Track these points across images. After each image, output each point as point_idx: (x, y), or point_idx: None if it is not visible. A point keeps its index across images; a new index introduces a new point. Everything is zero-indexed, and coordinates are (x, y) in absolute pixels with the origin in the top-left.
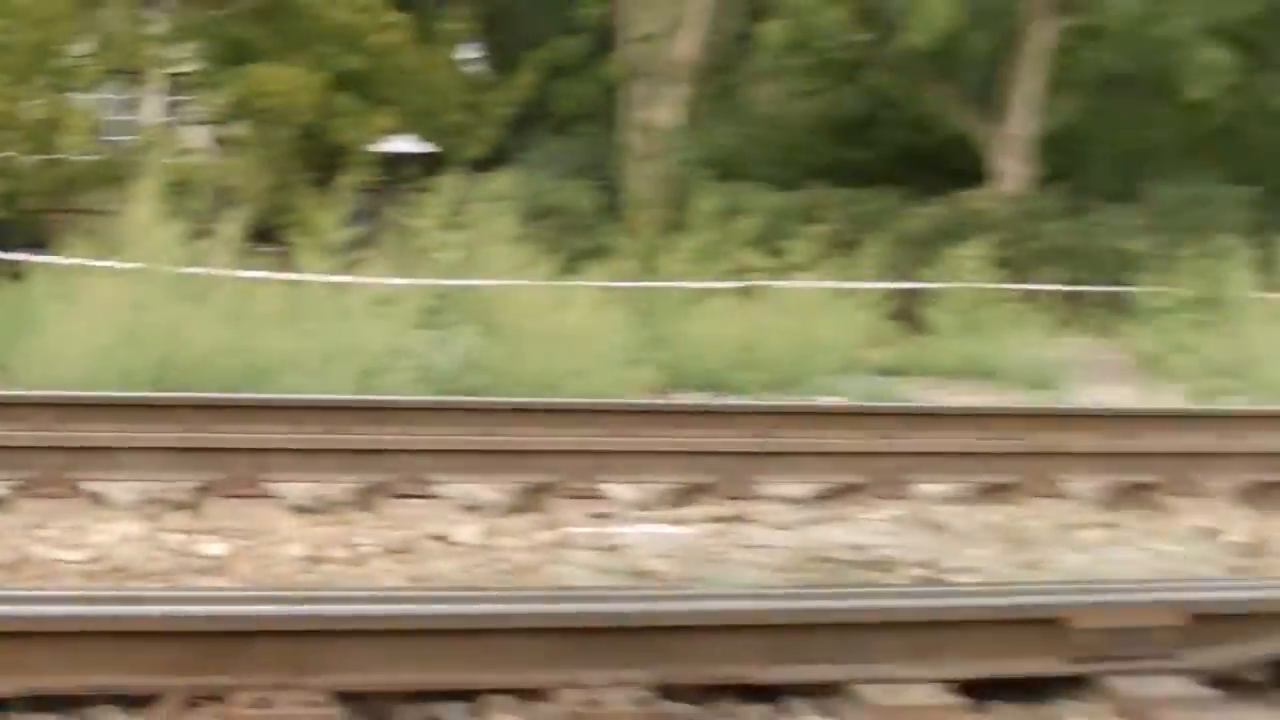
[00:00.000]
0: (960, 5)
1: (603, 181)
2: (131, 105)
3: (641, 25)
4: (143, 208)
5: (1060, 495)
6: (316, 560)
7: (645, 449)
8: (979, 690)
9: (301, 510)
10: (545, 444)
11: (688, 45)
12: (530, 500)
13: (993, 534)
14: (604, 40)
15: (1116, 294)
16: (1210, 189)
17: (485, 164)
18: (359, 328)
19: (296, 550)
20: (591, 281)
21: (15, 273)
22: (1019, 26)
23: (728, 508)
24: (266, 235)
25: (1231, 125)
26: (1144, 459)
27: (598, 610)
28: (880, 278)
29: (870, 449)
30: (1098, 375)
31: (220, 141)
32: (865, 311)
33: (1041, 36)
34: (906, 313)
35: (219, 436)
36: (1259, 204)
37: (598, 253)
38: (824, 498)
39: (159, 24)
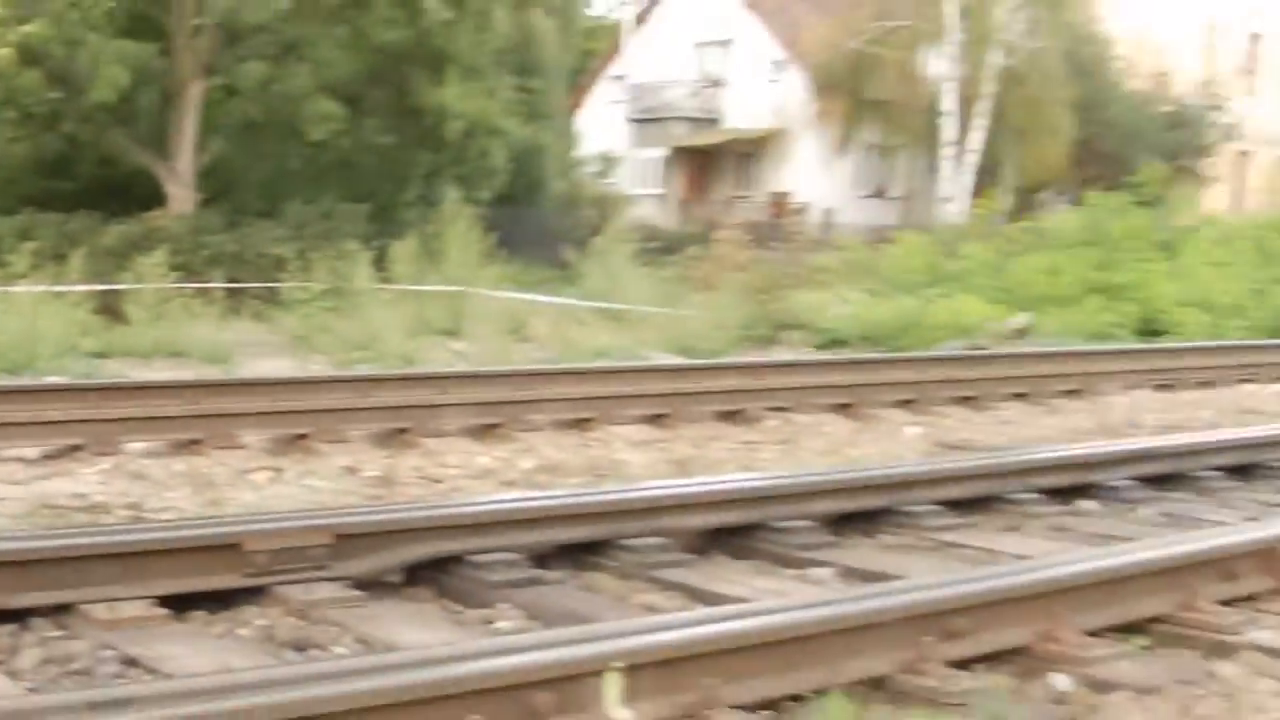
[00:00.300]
0: (131, 69)
1: None
2: None
3: None
4: None
5: (237, 447)
6: None
7: None
8: (180, 602)
9: None
10: None
11: None
12: None
13: (184, 480)
14: None
15: (269, 289)
16: (334, 206)
17: None
18: None
19: None
20: None
21: None
22: (177, 86)
23: None
24: None
25: (347, 157)
26: (300, 415)
27: None
28: (86, 281)
29: (87, 417)
30: (261, 352)
31: None
32: (77, 308)
33: (194, 93)
34: (110, 308)
35: None
36: (371, 217)
37: None
38: (51, 457)
39: None
